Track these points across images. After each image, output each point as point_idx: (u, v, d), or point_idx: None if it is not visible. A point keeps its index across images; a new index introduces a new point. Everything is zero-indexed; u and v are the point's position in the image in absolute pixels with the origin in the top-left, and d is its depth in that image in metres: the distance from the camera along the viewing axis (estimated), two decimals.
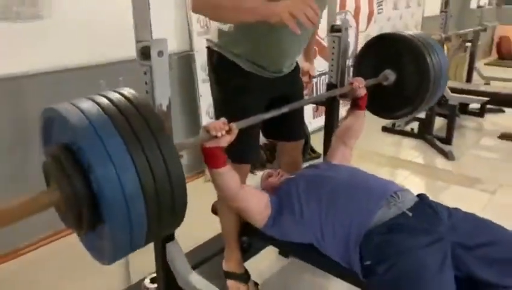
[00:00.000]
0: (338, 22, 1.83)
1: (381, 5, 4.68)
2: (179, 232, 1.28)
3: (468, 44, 5.07)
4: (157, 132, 0.93)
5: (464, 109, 4.47)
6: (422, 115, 3.72)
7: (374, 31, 4.54)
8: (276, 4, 1.18)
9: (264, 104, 1.58)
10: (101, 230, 0.96)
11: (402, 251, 1.19)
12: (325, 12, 1.77)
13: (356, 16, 4.29)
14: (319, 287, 2.00)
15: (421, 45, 1.87)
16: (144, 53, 1.13)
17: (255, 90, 1.50)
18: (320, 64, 3.72)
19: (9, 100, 2.11)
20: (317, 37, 3.16)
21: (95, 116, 0.89)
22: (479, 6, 6.65)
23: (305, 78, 1.88)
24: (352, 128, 1.74)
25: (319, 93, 3.99)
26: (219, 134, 1.20)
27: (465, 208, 1.37)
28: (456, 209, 1.36)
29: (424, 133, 3.87)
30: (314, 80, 3.90)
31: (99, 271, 1.98)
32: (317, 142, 1.85)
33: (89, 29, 2.27)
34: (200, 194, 1.78)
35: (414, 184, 3.07)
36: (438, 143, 3.69)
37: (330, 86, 1.90)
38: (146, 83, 1.16)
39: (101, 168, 0.84)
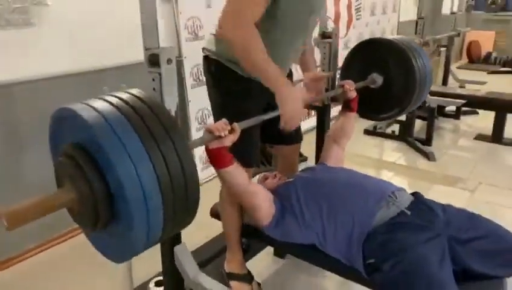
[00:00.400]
0: (329, 30, 1.91)
1: (360, 11, 4.81)
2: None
3: (443, 48, 5.26)
4: (171, 129, 0.95)
5: (441, 111, 4.61)
6: (402, 117, 3.83)
7: (353, 36, 4.68)
8: (289, 92, 1.33)
9: (262, 107, 1.61)
10: (113, 228, 0.97)
11: (405, 248, 1.24)
12: None
13: (336, 22, 4.39)
14: (314, 286, 2.04)
15: (406, 48, 1.95)
16: (152, 60, 1.17)
17: (254, 94, 1.54)
18: None
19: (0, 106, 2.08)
20: None
21: (111, 115, 0.90)
22: (452, 13, 6.88)
23: (320, 84, 1.84)
24: (344, 129, 1.81)
25: None
26: (222, 134, 1.22)
27: None
28: (449, 205, 1.43)
29: (405, 135, 3.97)
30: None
31: (101, 276, 1.99)
32: (303, 144, 1.89)
33: (80, 36, 2.27)
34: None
35: (399, 184, 3.11)
36: (419, 145, 3.80)
37: None
38: (154, 89, 1.20)
39: (122, 166, 0.85)
